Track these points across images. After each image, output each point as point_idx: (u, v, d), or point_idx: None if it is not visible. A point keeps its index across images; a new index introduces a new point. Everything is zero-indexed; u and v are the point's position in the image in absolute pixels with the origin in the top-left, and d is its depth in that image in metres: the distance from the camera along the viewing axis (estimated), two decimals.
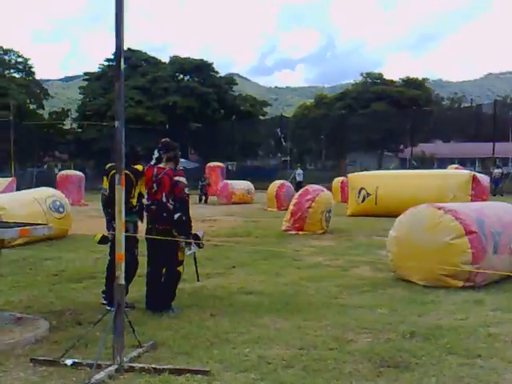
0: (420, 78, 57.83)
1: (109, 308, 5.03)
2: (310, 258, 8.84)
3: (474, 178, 15.19)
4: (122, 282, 3.84)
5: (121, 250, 3.82)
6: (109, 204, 5.30)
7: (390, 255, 7.02)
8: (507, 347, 4.24)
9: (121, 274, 3.82)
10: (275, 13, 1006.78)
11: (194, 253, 5.49)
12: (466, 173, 16.86)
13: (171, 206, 5.26)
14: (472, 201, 13.69)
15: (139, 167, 5.61)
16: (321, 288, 6.50)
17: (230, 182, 25.54)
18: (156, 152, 5.49)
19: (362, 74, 60.12)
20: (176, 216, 5.24)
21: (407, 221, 6.83)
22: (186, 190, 5.40)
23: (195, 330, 4.69)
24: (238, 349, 4.18)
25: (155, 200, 5.32)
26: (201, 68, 51.98)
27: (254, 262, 8.34)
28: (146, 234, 5.43)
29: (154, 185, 5.33)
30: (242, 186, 24.91)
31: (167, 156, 5.42)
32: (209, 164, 32.34)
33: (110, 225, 5.47)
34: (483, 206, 8.29)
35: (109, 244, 5.60)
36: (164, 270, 5.39)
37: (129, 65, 51.15)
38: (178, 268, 5.40)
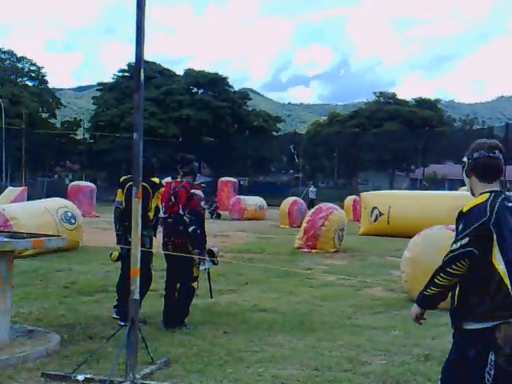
0: (433, 99, 57.97)
1: (122, 323, 5.01)
2: (322, 276, 8.79)
3: None
4: (137, 296, 3.82)
5: (136, 265, 3.81)
6: (125, 217, 5.30)
7: (404, 276, 6.96)
8: None
9: (135, 288, 3.80)
10: (291, 29, 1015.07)
11: (208, 269, 5.44)
12: None
13: (188, 220, 5.27)
14: None
15: (156, 180, 5.64)
16: (334, 307, 6.46)
17: (242, 197, 25.47)
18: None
19: (375, 93, 60.44)
20: (190, 229, 5.24)
21: (421, 242, 6.79)
22: (202, 204, 5.42)
23: (208, 347, 4.66)
24: (252, 368, 4.15)
25: (172, 213, 5.34)
26: (215, 82, 52.38)
27: (267, 280, 8.31)
28: (163, 247, 5.43)
29: (172, 197, 5.36)
30: (254, 201, 24.83)
31: (183, 171, 5.48)
32: (221, 179, 32.40)
33: (123, 238, 5.46)
34: None
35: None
36: (178, 285, 5.37)
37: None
38: (193, 284, 5.38)
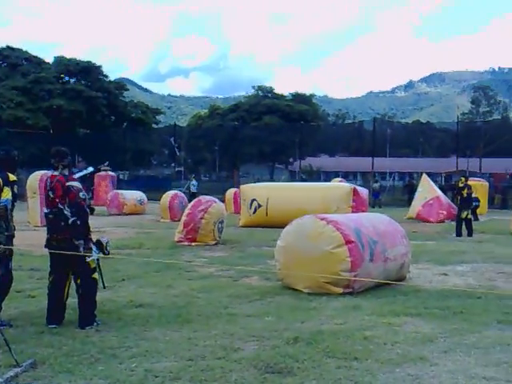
0: (308, 94, 60.52)
1: None
2: (202, 268, 8.87)
3: (355, 191, 16.22)
4: None
5: None
6: None
7: (278, 264, 7.27)
8: (381, 349, 4.58)
9: None
10: (169, 18, 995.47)
11: (98, 260, 5.43)
12: (347, 186, 17.91)
13: (68, 214, 5.23)
14: (353, 212, 14.56)
15: (12, 176, 5.35)
16: (211, 298, 6.58)
17: (120, 191, 24.85)
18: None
19: (253, 87, 61.76)
20: (70, 221, 5.22)
21: (293, 231, 7.13)
22: (81, 195, 5.34)
23: (79, 346, 4.55)
24: (125, 364, 4.13)
25: (53, 208, 5.26)
26: (88, 70, 50.05)
27: (144, 275, 8.23)
28: (46, 244, 5.31)
29: (50, 193, 5.27)
30: (133, 196, 24.36)
31: (62, 164, 5.40)
32: (98, 173, 31.23)
33: None
34: (361, 216, 8.85)
35: None
36: (79, 281, 5.31)
37: (7, 64, 48.11)
38: (93, 276, 5.36)
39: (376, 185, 32.14)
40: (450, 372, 4.03)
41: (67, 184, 5.25)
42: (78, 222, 5.22)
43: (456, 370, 4.08)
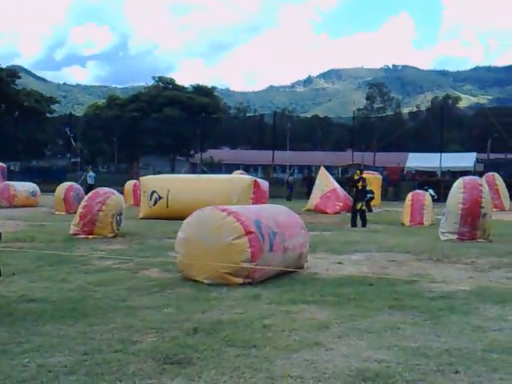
0: (209, 86, 60.58)
1: None
2: (99, 262, 8.61)
3: (255, 183, 16.51)
4: None
5: None
6: None
7: (178, 256, 7.23)
8: (279, 336, 4.70)
9: None
10: (65, 4, 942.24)
11: None
12: (248, 178, 18.20)
13: None
14: (253, 204, 14.82)
15: None
16: (109, 292, 6.40)
17: (11, 183, 23.60)
18: None
19: (154, 78, 60.71)
20: None
21: (194, 223, 7.12)
22: None
23: None
24: (16, 360, 3.93)
25: None
26: None
27: (37, 269, 7.83)
28: None
29: None
30: (25, 187, 23.27)
31: None
32: None
33: None
34: (261, 208, 9.03)
35: None
36: None
37: None
38: None
39: (291, 178, 33.09)
40: (344, 356, 4.21)
41: None
42: None
43: (350, 353, 4.25)
